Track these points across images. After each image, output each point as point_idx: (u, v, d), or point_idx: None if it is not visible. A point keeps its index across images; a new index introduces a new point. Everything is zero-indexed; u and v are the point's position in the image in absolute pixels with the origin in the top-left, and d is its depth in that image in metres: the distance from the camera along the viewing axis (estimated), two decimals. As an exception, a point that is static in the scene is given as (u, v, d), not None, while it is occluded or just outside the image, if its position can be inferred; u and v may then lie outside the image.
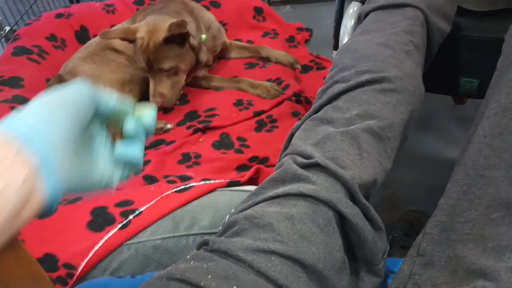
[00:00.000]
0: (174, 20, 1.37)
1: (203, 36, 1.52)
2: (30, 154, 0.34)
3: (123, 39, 1.39)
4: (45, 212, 0.37)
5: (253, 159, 1.20)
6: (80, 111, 0.40)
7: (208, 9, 1.83)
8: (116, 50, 1.56)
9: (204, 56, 1.51)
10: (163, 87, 1.40)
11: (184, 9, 1.50)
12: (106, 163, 0.45)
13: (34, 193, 0.35)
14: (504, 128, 0.59)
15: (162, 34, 1.33)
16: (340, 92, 0.70)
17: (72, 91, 0.40)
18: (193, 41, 1.42)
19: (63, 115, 0.38)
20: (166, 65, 1.37)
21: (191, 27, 1.43)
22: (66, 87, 0.41)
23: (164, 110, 1.47)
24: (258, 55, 1.68)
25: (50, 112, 0.37)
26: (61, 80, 1.47)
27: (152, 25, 1.37)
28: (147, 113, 0.47)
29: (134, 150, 0.47)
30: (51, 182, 0.36)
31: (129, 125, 0.45)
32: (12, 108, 1.29)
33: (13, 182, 0.33)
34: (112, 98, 0.44)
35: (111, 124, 0.47)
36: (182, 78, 1.44)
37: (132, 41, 1.38)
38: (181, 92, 1.47)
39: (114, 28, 1.59)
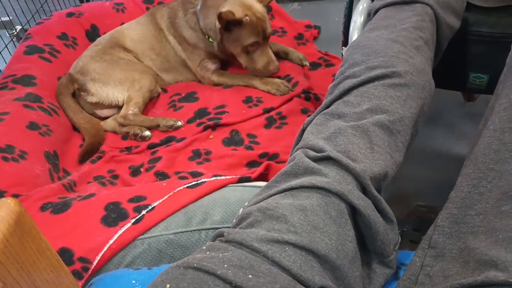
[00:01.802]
0: None
1: None
2: None
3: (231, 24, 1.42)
4: None
5: (263, 155, 1.21)
6: None
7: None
8: (125, 49, 1.58)
9: None
10: (271, 53, 1.48)
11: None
12: None
13: None
14: None
15: (259, 4, 1.43)
16: (351, 87, 0.71)
17: None
18: None
19: None
20: (270, 28, 1.46)
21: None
22: None
23: (174, 108, 1.49)
24: None
25: None
26: (71, 79, 1.49)
27: (241, 2, 1.42)
28: None
29: None
30: None
31: None
32: (25, 106, 1.31)
33: None
34: None
35: None
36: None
37: (233, 29, 1.42)
38: None
39: (129, 30, 1.61)
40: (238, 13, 1.39)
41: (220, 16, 1.37)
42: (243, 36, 1.42)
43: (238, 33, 1.42)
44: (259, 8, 1.42)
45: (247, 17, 1.39)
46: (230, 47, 1.47)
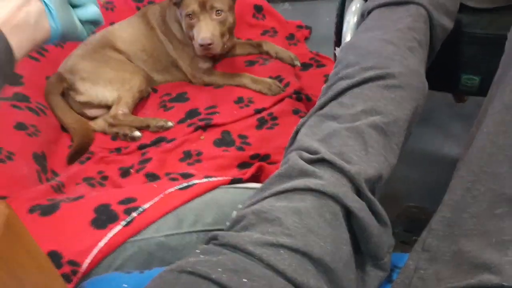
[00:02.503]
0: None
1: None
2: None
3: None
4: (47, 41, 0.60)
5: (255, 156, 1.20)
6: None
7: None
8: (116, 49, 1.56)
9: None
10: (215, 29, 1.40)
11: None
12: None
13: (43, 23, 0.59)
14: (508, 125, 0.59)
15: None
16: (345, 88, 0.70)
17: None
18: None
19: None
20: (218, 4, 1.39)
21: None
22: None
23: (164, 108, 1.48)
24: (260, 49, 1.68)
25: None
26: (60, 78, 1.47)
27: None
28: None
29: (90, 10, 0.65)
30: (52, 21, 0.59)
31: None
32: (13, 106, 1.29)
33: (33, 8, 0.58)
34: None
35: None
36: (228, 31, 1.47)
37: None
38: (226, 48, 1.50)
39: (119, 31, 1.60)
40: None
41: None
42: (183, 7, 1.41)
43: (182, 6, 1.42)
44: None
45: None
46: (185, 29, 1.46)
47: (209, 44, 1.38)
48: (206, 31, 1.39)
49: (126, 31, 1.59)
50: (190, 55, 1.55)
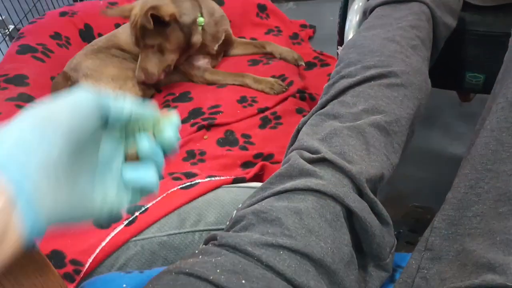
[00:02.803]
0: (164, 1, 1.40)
1: (201, 19, 1.52)
2: (6, 183, 0.29)
3: (121, 15, 1.44)
4: (26, 249, 0.33)
5: (258, 155, 1.20)
6: (76, 125, 0.33)
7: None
8: (121, 49, 1.57)
9: (198, 38, 1.51)
10: (147, 63, 1.43)
11: None
12: (113, 186, 0.38)
13: (10, 229, 0.30)
14: (511, 122, 0.58)
15: (147, 11, 1.35)
16: (346, 87, 0.70)
17: (68, 100, 0.34)
18: (184, 19, 1.43)
19: (51, 133, 0.32)
20: (150, 41, 1.40)
21: (185, 6, 1.45)
22: (65, 95, 0.35)
23: (168, 108, 1.48)
24: (264, 50, 1.67)
25: (34, 130, 0.32)
26: (66, 77, 1.48)
27: (144, 3, 1.38)
28: (169, 126, 0.39)
29: (148, 174, 0.39)
30: (30, 215, 0.30)
31: (143, 143, 0.38)
32: (18, 106, 1.30)
33: None
34: (126, 103, 0.37)
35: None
36: (169, 57, 1.46)
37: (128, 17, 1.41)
38: (168, 71, 1.50)
39: (123, 34, 1.60)
40: (134, 10, 1.39)
41: None
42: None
43: None
44: (146, 12, 1.35)
45: (133, 17, 1.39)
46: None
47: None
48: (140, 68, 1.44)
49: (127, 32, 1.59)
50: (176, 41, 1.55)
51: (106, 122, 0.37)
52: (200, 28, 1.51)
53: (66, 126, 0.33)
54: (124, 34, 1.59)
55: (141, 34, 1.38)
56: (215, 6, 1.65)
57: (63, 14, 1.73)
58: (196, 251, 0.51)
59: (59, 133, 0.32)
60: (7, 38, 2.02)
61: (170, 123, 0.40)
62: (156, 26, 1.35)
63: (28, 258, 0.48)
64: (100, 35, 1.69)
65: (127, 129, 0.39)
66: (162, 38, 1.41)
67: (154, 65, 1.44)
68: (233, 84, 1.50)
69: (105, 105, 0.36)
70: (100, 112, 0.35)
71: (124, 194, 0.39)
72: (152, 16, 1.32)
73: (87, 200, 0.36)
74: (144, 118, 0.39)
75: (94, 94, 0.35)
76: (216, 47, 1.61)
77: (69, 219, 0.36)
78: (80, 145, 0.34)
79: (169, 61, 1.46)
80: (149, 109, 0.39)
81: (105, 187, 0.38)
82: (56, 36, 1.64)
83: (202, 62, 1.56)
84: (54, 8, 1.97)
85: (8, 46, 1.66)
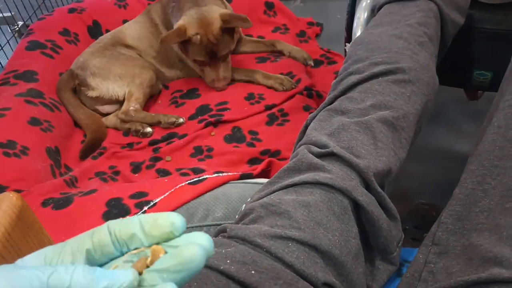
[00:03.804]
0: (221, 9, 1.43)
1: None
2: None
3: (179, 41, 1.44)
4: None
5: (265, 152, 1.21)
6: None
7: (219, 3, 1.84)
8: (127, 46, 1.58)
9: (240, 31, 1.58)
10: (224, 71, 1.48)
11: None
12: None
13: None
14: None
15: (218, 26, 1.39)
16: (354, 83, 0.70)
17: None
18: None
19: None
20: (227, 50, 1.45)
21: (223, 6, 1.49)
22: None
23: (176, 104, 1.49)
24: (273, 48, 1.68)
25: None
26: (72, 75, 1.49)
27: (202, 19, 1.40)
28: (182, 248, 0.28)
29: None
30: None
31: None
32: (27, 101, 1.31)
33: None
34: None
35: None
36: (230, 58, 1.52)
37: (186, 40, 1.42)
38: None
39: (129, 30, 1.61)
40: (191, 30, 1.39)
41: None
42: (192, 51, 1.44)
43: (188, 46, 1.44)
44: (215, 28, 1.40)
45: (198, 36, 1.39)
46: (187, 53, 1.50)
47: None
48: (221, 78, 1.48)
49: (134, 29, 1.60)
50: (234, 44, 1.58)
51: None
52: None
53: None
54: (129, 30, 1.60)
55: (217, 47, 1.42)
56: (224, 1, 1.67)
57: (71, 10, 1.74)
58: (207, 243, 0.52)
59: None
60: (16, 35, 2.03)
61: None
62: (225, 34, 1.41)
63: (41, 248, 0.49)
64: (108, 31, 1.70)
65: None
66: (232, 43, 1.48)
67: (228, 71, 1.50)
68: (243, 80, 1.51)
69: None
70: None
71: None
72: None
73: None
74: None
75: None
76: None
77: None
78: None
79: (230, 59, 1.53)
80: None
81: None
82: (65, 32, 1.65)
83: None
84: (63, 5, 1.98)
85: (17, 42, 1.67)
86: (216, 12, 1.41)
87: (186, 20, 1.40)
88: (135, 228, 0.29)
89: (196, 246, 0.27)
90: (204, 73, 1.49)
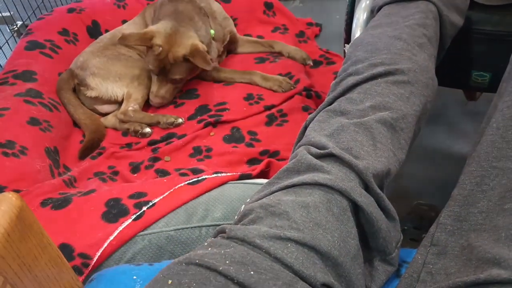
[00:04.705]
0: (194, 35, 1.41)
1: (212, 32, 1.53)
2: None
3: (140, 44, 1.42)
4: None
5: (264, 152, 1.21)
6: None
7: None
8: (127, 45, 1.57)
9: (214, 52, 1.53)
10: (166, 91, 1.45)
11: (194, 11, 1.50)
12: None
13: None
14: None
15: (183, 51, 1.37)
16: (353, 84, 0.70)
17: None
18: (205, 46, 1.43)
19: None
20: (178, 76, 1.43)
21: (202, 33, 1.46)
22: None
23: (174, 104, 1.49)
24: (271, 49, 1.68)
25: None
26: (71, 75, 1.49)
27: (173, 36, 1.39)
28: None
29: None
30: None
31: None
32: (26, 101, 1.31)
33: None
34: None
35: None
36: (182, 84, 1.50)
37: (148, 46, 1.40)
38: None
39: (127, 30, 1.59)
40: (157, 40, 1.38)
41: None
42: (148, 58, 1.43)
43: (149, 52, 1.43)
44: (179, 52, 1.37)
45: (160, 49, 1.37)
46: None
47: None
48: (158, 95, 1.45)
49: (130, 30, 1.60)
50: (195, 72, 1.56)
51: None
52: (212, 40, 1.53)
53: None
54: (127, 31, 1.60)
55: (169, 68, 1.40)
56: (218, 8, 1.66)
57: (70, 10, 1.74)
58: (206, 243, 0.52)
59: None
60: (15, 34, 2.03)
61: None
62: (186, 63, 1.39)
63: (41, 248, 0.50)
64: (107, 31, 1.70)
65: None
66: (187, 73, 1.45)
67: (172, 93, 1.48)
68: (241, 82, 1.51)
69: None
70: None
71: None
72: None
73: None
74: None
75: None
76: (221, 48, 1.62)
77: None
78: None
79: (181, 87, 1.51)
80: None
81: None
82: (64, 32, 1.65)
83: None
84: (62, 5, 1.97)
85: (16, 42, 1.67)
86: (189, 39, 1.39)
87: (158, 28, 1.40)
88: None
89: None
90: (152, 83, 1.48)
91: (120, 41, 1.41)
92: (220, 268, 0.45)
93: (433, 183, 1.27)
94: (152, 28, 1.42)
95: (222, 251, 0.48)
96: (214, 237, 0.55)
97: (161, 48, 1.37)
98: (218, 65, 1.60)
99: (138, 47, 1.57)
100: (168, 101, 1.48)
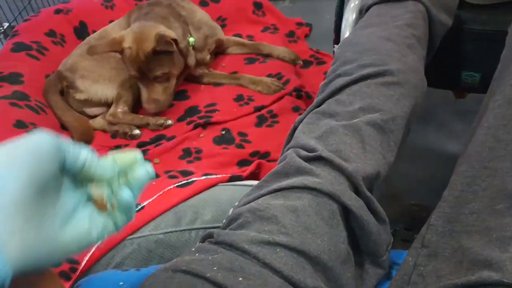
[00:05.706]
0: (161, 27, 1.36)
1: (191, 40, 1.50)
2: None
3: (110, 51, 1.38)
4: None
5: (254, 154, 1.20)
6: (37, 168, 0.33)
7: (207, 4, 1.83)
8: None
9: (192, 60, 1.49)
10: (156, 93, 1.40)
11: (171, 13, 1.48)
12: (84, 224, 0.38)
13: None
14: (509, 119, 0.59)
15: (151, 44, 1.32)
16: (342, 85, 0.70)
17: (28, 143, 0.34)
18: (181, 45, 1.40)
19: (13, 176, 0.31)
20: (159, 72, 1.36)
21: (177, 32, 1.42)
22: (25, 137, 0.35)
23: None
24: (259, 52, 1.67)
25: None
26: (60, 77, 1.47)
27: (139, 33, 1.34)
28: (138, 170, 0.41)
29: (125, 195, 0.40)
30: None
31: (125, 195, 0.40)
32: (12, 104, 1.29)
33: None
34: (81, 153, 0.38)
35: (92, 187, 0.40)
36: (173, 83, 1.44)
37: (119, 51, 1.36)
38: (172, 96, 1.47)
39: (112, 30, 1.57)
40: (126, 43, 1.34)
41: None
42: (126, 65, 1.39)
43: (124, 59, 1.38)
44: (147, 46, 1.31)
45: (129, 50, 1.33)
46: None
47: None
48: (149, 101, 1.39)
49: (115, 30, 1.58)
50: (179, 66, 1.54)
51: (63, 167, 0.36)
52: (191, 47, 1.49)
53: (28, 168, 0.32)
54: (112, 31, 1.58)
55: (145, 66, 1.34)
56: (203, 17, 1.63)
57: (57, 11, 1.72)
58: (193, 249, 0.51)
59: (21, 176, 0.32)
60: (1, 36, 2.01)
61: (139, 167, 0.42)
62: (160, 54, 1.33)
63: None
64: (95, 32, 1.68)
65: (82, 176, 0.39)
66: (168, 66, 1.38)
67: (163, 94, 1.40)
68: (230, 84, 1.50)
69: (63, 150, 0.36)
70: (59, 156, 0.35)
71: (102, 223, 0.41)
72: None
73: (54, 241, 0.35)
74: (101, 170, 0.40)
75: (54, 138, 0.35)
76: (207, 57, 1.60)
77: (37, 262, 0.33)
78: (42, 187, 0.33)
79: (173, 87, 1.45)
80: (108, 163, 0.41)
81: (77, 225, 0.38)
82: (51, 33, 1.63)
83: (197, 71, 1.55)
84: (49, 6, 1.95)
85: (2, 44, 1.65)
86: (153, 30, 1.34)
87: (127, 31, 1.37)
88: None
89: (144, 169, 0.42)
90: (141, 91, 1.43)
91: (89, 53, 1.37)
92: (208, 275, 0.45)
93: (424, 183, 1.27)
94: (121, 32, 1.38)
95: (210, 257, 0.47)
96: (202, 242, 0.54)
97: (131, 49, 1.33)
98: (206, 70, 1.58)
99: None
100: (163, 104, 1.42)
